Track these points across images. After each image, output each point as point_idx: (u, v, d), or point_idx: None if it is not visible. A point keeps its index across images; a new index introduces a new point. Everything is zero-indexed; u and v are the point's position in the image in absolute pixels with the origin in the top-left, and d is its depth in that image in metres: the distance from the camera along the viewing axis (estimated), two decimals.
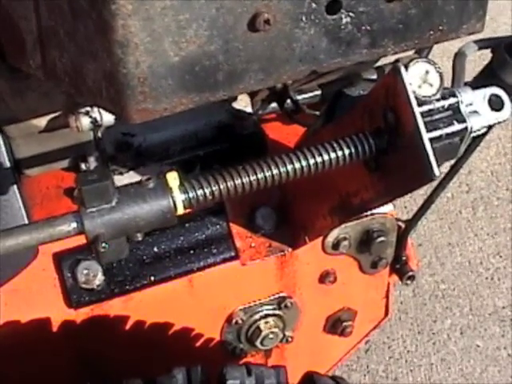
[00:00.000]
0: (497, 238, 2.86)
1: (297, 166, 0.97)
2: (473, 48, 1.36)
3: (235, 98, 1.56)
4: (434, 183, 1.54)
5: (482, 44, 1.38)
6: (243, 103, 1.58)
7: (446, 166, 1.41)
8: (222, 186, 0.95)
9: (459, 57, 1.33)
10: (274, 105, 1.60)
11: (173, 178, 0.93)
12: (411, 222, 1.62)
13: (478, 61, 1.83)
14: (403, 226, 1.63)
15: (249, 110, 1.58)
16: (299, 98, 1.58)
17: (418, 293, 2.69)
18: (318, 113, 1.47)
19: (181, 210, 0.94)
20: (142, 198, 0.92)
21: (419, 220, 1.62)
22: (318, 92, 1.65)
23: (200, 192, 0.94)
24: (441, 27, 1.07)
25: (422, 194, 2.97)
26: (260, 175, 0.97)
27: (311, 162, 0.98)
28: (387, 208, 1.54)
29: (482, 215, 2.94)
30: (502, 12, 3.63)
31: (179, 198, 0.93)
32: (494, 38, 1.40)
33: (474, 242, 2.85)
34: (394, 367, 2.49)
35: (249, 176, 0.96)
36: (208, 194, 0.95)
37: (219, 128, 1.54)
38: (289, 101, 1.54)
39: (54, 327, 1.43)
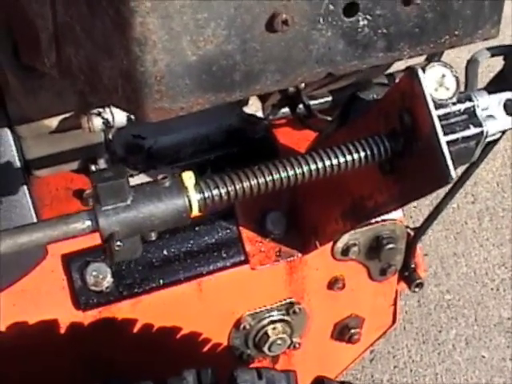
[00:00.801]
0: (502, 249, 2.85)
1: (312, 167, 0.97)
2: (485, 55, 1.36)
3: (246, 103, 1.56)
4: (443, 191, 1.55)
5: (495, 51, 1.38)
6: (254, 108, 1.58)
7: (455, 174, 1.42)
8: (237, 187, 0.95)
9: (472, 63, 1.33)
10: (285, 110, 1.60)
11: (188, 178, 0.93)
12: (420, 230, 1.61)
13: (484, 72, 1.83)
14: (412, 233, 1.62)
15: (260, 114, 1.58)
16: (311, 103, 1.58)
17: (423, 303, 2.68)
18: (330, 118, 1.47)
19: (196, 210, 0.93)
20: (157, 196, 0.91)
21: (428, 227, 1.62)
22: (329, 98, 1.65)
23: (216, 192, 0.94)
24: (456, 32, 1.07)
25: (427, 204, 2.99)
26: (276, 176, 0.96)
27: (327, 163, 0.97)
28: (397, 215, 1.54)
29: (487, 226, 2.94)
30: (508, 25, 3.64)
31: (195, 197, 0.93)
32: (506, 46, 1.40)
33: (480, 252, 2.85)
34: (398, 377, 2.48)
35: (264, 177, 0.96)
36: (224, 194, 0.94)
37: (230, 132, 1.54)
38: (301, 106, 1.54)
39: (61, 329, 1.42)
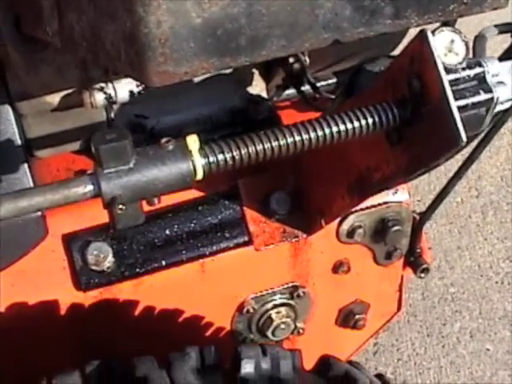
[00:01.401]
0: (507, 243, 2.84)
1: (319, 133, 0.95)
2: (493, 31, 1.35)
3: (250, 83, 1.54)
4: (446, 176, 1.53)
5: (503, 28, 1.36)
6: (258, 88, 1.56)
7: (458, 159, 1.39)
8: (243, 151, 0.93)
9: (479, 39, 1.31)
10: (289, 91, 1.58)
11: (193, 141, 0.91)
12: (426, 214, 1.59)
13: None
14: (418, 218, 1.60)
15: (264, 95, 1.56)
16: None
17: (427, 296, 2.66)
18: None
19: (200, 175, 0.91)
20: (160, 160, 0.89)
21: (434, 212, 1.59)
22: (334, 80, 1.63)
23: (221, 156, 0.92)
24: (465, 0, 1.05)
25: (431, 198, 2.97)
26: (282, 141, 0.94)
27: (334, 129, 0.95)
28: (403, 197, 1.52)
29: (491, 220, 2.92)
30: None
31: (199, 161, 0.91)
32: None
33: (484, 246, 2.83)
34: (402, 370, 2.45)
35: (270, 142, 0.94)
36: (229, 158, 0.92)
37: (233, 112, 1.52)
38: (306, 86, 1.51)
39: (62, 310, 1.40)
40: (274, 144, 0.94)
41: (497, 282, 2.70)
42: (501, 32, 1.36)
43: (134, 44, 0.91)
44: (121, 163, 0.88)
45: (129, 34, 0.91)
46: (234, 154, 0.92)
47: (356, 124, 0.96)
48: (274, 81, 1.54)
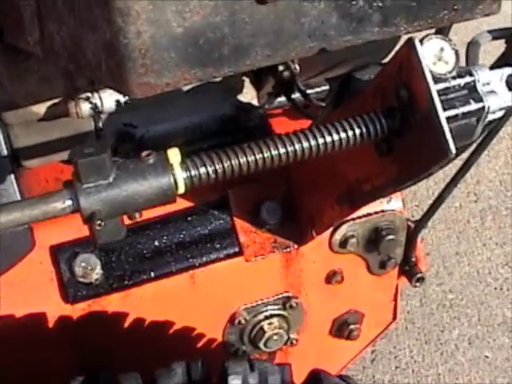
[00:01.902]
0: (505, 248, 2.81)
1: (304, 145, 0.92)
2: (486, 37, 1.32)
3: (241, 90, 1.52)
4: (444, 184, 1.51)
5: (496, 34, 1.34)
6: (249, 96, 1.54)
7: (456, 164, 1.37)
8: (226, 164, 0.90)
9: (473, 46, 1.29)
10: (281, 99, 1.56)
11: (174, 154, 0.88)
12: (421, 222, 1.56)
13: None
14: (412, 226, 1.58)
15: (255, 103, 1.54)
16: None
17: (425, 302, 2.63)
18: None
19: (182, 189, 0.89)
20: (141, 174, 0.87)
21: (429, 220, 1.57)
22: (326, 87, 1.61)
23: (203, 170, 0.89)
24: (456, 6, 1.02)
25: (429, 203, 2.95)
26: (266, 154, 0.92)
27: (320, 141, 0.93)
28: (397, 205, 1.50)
29: (490, 225, 2.90)
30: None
31: (180, 175, 0.88)
32: (508, 28, 1.36)
33: (483, 251, 2.81)
34: (400, 377, 2.43)
35: (254, 154, 0.91)
36: (211, 172, 0.90)
37: (224, 120, 1.50)
38: (297, 94, 1.49)
39: (49, 322, 1.38)
40: (258, 157, 0.91)
41: (496, 288, 2.67)
42: (494, 38, 1.34)
43: (114, 55, 0.89)
44: (100, 177, 0.86)
45: (109, 45, 0.89)
46: (217, 167, 0.90)
47: (343, 135, 0.93)
48: (265, 88, 1.52)
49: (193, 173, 0.89)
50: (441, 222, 2.88)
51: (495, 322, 2.56)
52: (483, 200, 2.99)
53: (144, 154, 0.89)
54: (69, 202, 0.86)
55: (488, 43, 1.33)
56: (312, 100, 1.39)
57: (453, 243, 2.83)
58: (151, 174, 0.87)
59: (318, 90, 1.61)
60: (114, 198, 0.85)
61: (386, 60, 1.51)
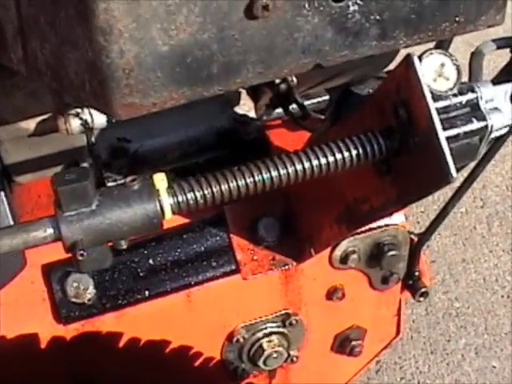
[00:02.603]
0: None
1: (298, 167, 0.88)
2: (491, 47, 1.28)
3: (238, 103, 1.48)
4: (449, 193, 1.46)
5: (501, 43, 1.29)
6: (246, 108, 1.50)
7: (462, 175, 1.33)
8: (215, 189, 0.86)
9: (476, 55, 1.24)
10: (278, 110, 1.52)
11: (160, 179, 0.84)
12: (424, 235, 1.52)
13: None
14: (416, 239, 1.53)
15: (252, 115, 1.50)
16: (306, 103, 1.50)
17: (430, 311, 2.59)
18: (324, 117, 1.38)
19: (169, 215, 0.85)
20: (125, 201, 0.83)
21: (433, 233, 1.53)
22: (326, 97, 1.57)
23: (190, 195, 0.85)
24: (457, 18, 0.98)
25: (435, 209, 2.90)
26: (257, 178, 0.87)
27: (314, 163, 0.88)
28: (399, 219, 1.45)
29: (497, 231, 2.85)
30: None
31: (167, 201, 0.84)
32: None
33: (489, 258, 2.76)
34: None
35: (245, 178, 0.87)
36: (199, 197, 0.85)
37: (220, 133, 1.46)
38: (294, 105, 1.45)
39: (42, 343, 1.34)
40: (249, 180, 0.87)
41: (503, 296, 2.62)
42: (499, 47, 1.29)
43: (96, 75, 0.85)
44: (82, 205, 0.81)
45: (91, 64, 0.85)
46: (205, 192, 0.86)
47: (338, 157, 0.89)
48: (263, 100, 1.48)
49: (180, 198, 0.85)
50: (446, 228, 2.83)
51: (502, 331, 2.51)
52: (490, 205, 2.94)
53: (129, 179, 0.85)
54: (50, 231, 0.82)
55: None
56: (310, 112, 1.35)
57: (459, 250, 2.79)
58: (136, 200, 0.83)
59: (317, 100, 1.57)
60: (97, 226, 0.81)
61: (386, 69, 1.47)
